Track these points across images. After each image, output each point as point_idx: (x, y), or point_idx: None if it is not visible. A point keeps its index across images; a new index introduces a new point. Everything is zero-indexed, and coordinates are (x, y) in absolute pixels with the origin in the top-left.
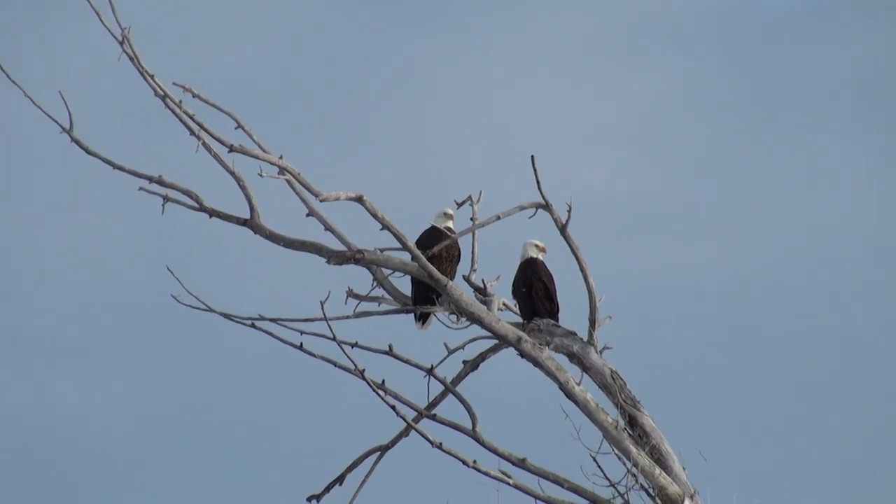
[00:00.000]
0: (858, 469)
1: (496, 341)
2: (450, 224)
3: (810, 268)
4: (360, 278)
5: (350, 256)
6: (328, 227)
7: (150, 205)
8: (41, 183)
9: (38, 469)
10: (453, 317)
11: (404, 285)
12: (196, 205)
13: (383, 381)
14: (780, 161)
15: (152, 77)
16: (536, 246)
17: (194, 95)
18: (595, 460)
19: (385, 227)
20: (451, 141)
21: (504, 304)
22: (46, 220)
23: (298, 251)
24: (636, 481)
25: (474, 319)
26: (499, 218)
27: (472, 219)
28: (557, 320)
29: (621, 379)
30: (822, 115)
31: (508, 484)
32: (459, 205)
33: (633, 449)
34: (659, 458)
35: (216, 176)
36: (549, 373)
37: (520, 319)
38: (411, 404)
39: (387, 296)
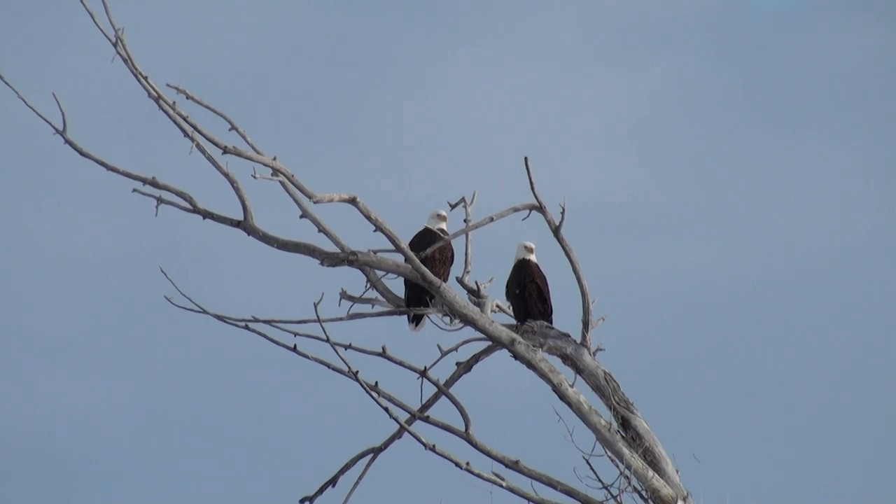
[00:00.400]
0: (853, 471)
1: (489, 343)
2: (443, 226)
3: (804, 269)
4: (353, 280)
5: (343, 258)
6: (322, 229)
7: (143, 206)
8: (34, 184)
9: (30, 470)
10: (447, 318)
11: (398, 287)
12: (190, 206)
13: (376, 383)
14: (774, 162)
15: (146, 78)
16: (526, 247)
17: (188, 97)
18: (588, 462)
19: (378, 228)
20: (444, 142)
21: (497, 306)
22: (38, 222)
23: (292, 253)
24: (629, 483)
25: (468, 321)
26: (492, 220)
27: (465, 220)
28: (551, 322)
29: (615, 381)
30: (816, 116)
31: (501, 486)
32: (453, 206)
33: (626, 451)
34: (652, 461)
35: (210, 177)
36: (542, 375)
37: (513, 321)
38: (404, 406)
39: (380, 297)
